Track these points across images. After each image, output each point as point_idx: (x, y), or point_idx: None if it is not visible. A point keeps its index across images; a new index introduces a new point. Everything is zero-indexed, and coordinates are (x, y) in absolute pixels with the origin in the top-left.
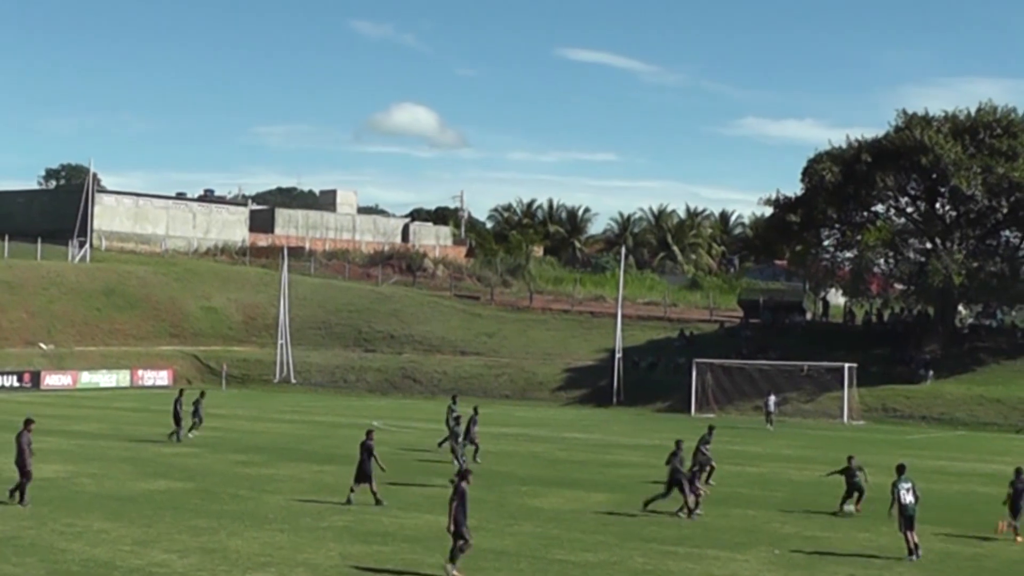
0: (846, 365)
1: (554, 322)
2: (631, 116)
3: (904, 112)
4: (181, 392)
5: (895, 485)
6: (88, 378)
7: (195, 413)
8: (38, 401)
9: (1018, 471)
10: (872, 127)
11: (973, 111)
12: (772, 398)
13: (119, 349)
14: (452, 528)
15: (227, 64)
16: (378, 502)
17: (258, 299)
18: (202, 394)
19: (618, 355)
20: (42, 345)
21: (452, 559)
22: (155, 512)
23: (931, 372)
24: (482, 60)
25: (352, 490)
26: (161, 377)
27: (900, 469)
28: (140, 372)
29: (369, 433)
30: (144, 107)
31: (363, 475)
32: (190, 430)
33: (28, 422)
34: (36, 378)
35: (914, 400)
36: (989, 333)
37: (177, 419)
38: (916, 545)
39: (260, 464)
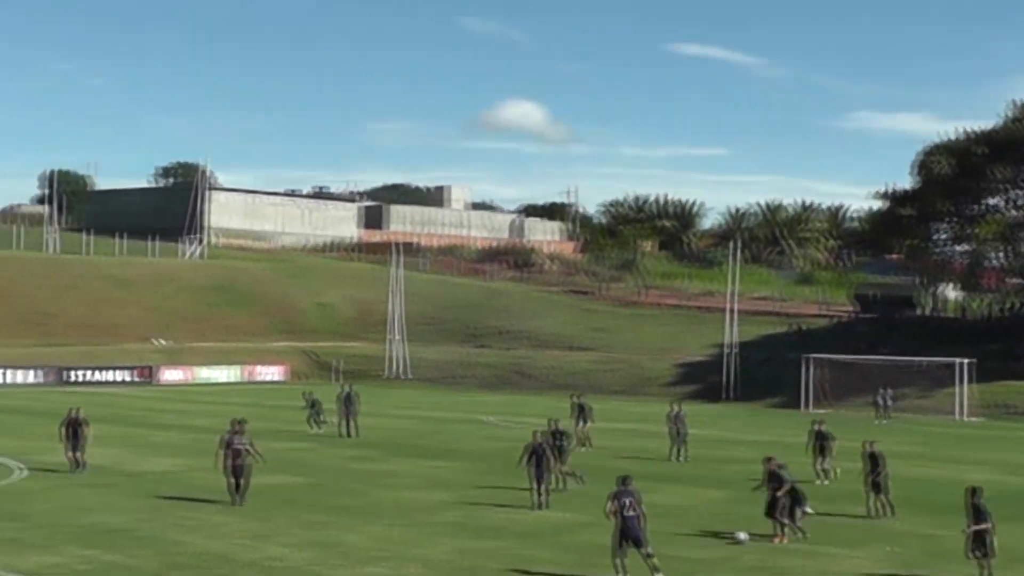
0: (961, 361)
1: (665, 317)
2: (741, 110)
3: (1015, 103)
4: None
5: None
6: (202, 373)
7: (314, 405)
8: (153, 396)
9: None
10: (985, 119)
11: None
12: (884, 392)
13: (233, 345)
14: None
15: (339, 62)
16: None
17: (370, 295)
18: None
19: (727, 350)
20: (156, 340)
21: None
22: (271, 507)
23: None
24: (591, 55)
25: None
26: (275, 373)
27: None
28: (254, 368)
29: (553, 433)
30: (257, 105)
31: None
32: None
33: (239, 423)
34: (151, 373)
35: None
36: None
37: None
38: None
39: (374, 459)
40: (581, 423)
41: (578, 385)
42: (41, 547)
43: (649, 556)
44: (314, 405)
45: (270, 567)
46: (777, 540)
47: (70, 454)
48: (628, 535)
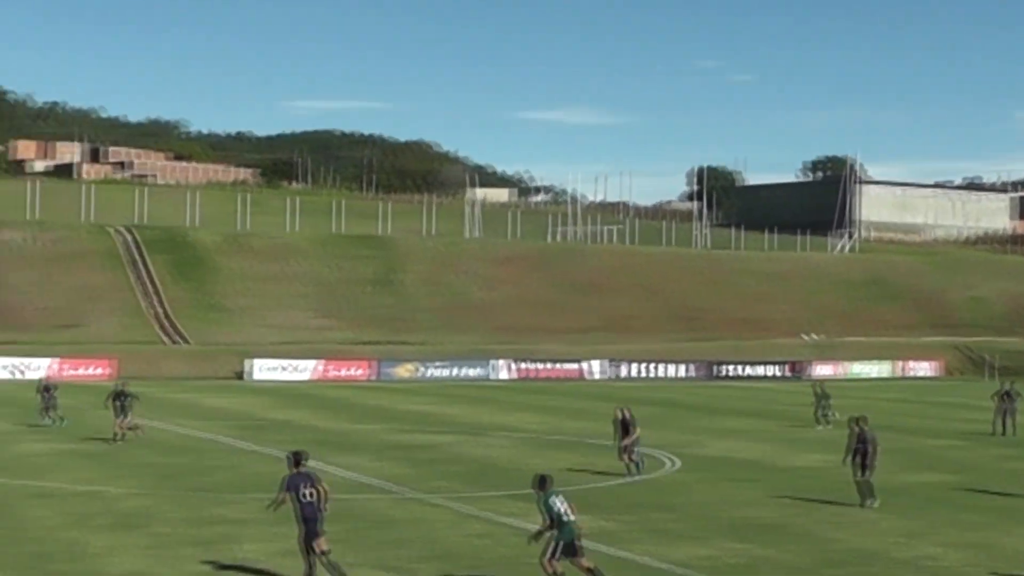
0: None
1: None
2: None
3: None
4: None
5: None
6: (853, 368)
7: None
8: (803, 391)
9: None
10: None
11: None
12: None
13: (884, 340)
14: None
15: (990, 52)
16: None
17: None
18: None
19: None
20: (807, 335)
21: None
22: (922, 504)
23: None
24: None
25: None
26: (927, 368)
27: None
28: (906, 363)
29: None
30: (904, 96)
31: None
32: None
33: (856, 421)
34: (801, 368)
35: None
36: None
37: None
38: None
39: None
40: None
41: None
42: (692, 539)
43: None
44: (823, 399)
45: (924, 566)
46: None
47: (624, 458)
48: None
